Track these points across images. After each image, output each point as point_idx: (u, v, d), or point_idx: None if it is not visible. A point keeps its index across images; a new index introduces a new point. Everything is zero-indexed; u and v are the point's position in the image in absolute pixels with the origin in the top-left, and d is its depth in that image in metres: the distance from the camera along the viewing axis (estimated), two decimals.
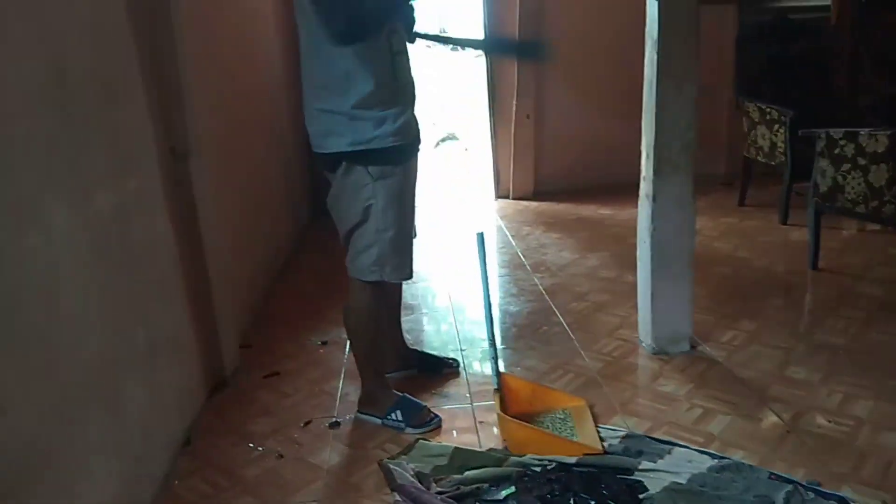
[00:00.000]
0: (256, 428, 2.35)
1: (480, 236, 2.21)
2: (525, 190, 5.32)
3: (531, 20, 4.98)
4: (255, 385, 2.65)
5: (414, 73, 2.19)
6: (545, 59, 2.54)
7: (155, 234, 2.19)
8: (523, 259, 3.99)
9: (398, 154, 2.11)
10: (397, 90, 2.09)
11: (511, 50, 2.43)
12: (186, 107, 2.39)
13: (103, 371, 1.75)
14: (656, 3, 2.46)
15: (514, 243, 4.30)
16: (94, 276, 1.75)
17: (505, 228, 4.65)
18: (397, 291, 2.58)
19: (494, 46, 2.44)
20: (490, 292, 2.25)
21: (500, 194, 5.40)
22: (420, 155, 2.33)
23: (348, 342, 2.63)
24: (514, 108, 5.17)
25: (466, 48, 2.42)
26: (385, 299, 2.38)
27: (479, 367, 2.71)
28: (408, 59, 2.15)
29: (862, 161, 3.10)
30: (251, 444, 2.25)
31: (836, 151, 3.22)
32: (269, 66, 4.07)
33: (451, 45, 2.43)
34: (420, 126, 2.27)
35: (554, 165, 5.33)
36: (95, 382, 1.71)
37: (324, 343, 2.99)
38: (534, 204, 5.19)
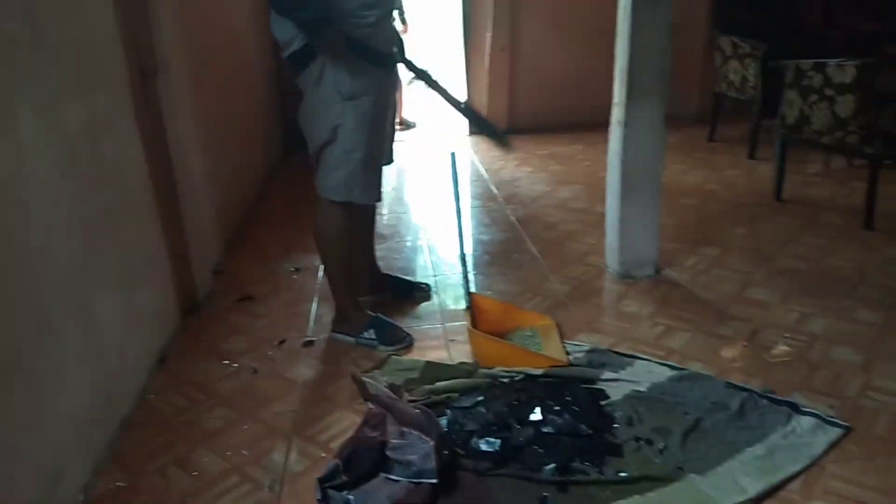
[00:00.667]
0: (230, 346, 2.39)
1: (453, 156, 2.24)
2: (499, 125, 5.29)
3: None
4: (228, 308, 2.68)
5: None
6: (504, 145, 2.57)
7: (125, 151, 2.17)
8: (496, 191, 4.02)
9: (368, 53, 2.06)
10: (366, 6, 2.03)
11: (480, 124, 2.43)
12: (154, 24, 2.34)
13: (76, 284, 1.76)
14: None
15: (486, 177, 4.32)
16: (64, 188, 1.74)
17: (478, 162, 4.66)
18: (370, 215, 2.59)
19: (469, 113, 2.37)
20: (462, 210, 2.29)
21: (474, 130, 5.37)
22: (396, 79, 2.31)
23: (321, 266, 2.66)
24: (488, 41, 5.11)
25: (444, 98, 2.37)
26: (357, 222, 2.40)
27: (451, 291, 2.76)
28: None
29: (829, 92, 3.15)
30: (226, 361, 2.29)
31: (805, 83, 3.26)
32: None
33: (431, 87, 2.37)
34: (402, 46, 2.24)
35: (528, 100, 5.31)
36: (68, 294, 1.72)
37: (296, 270, 3.02)
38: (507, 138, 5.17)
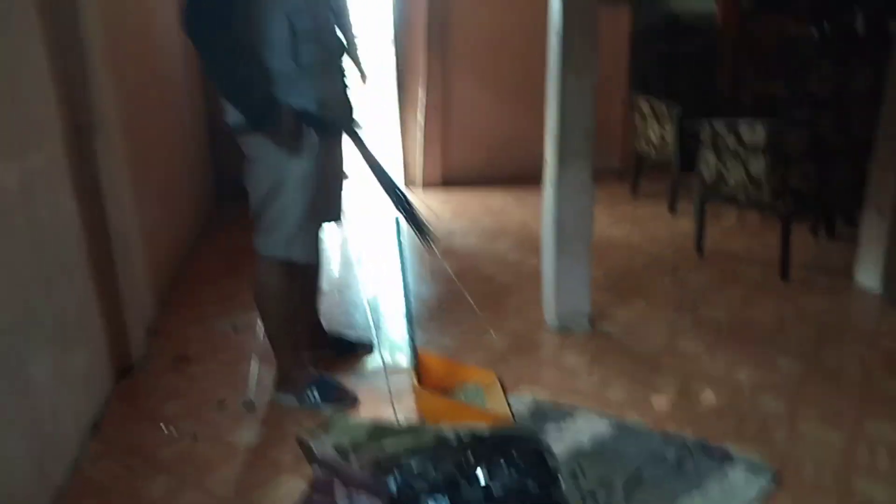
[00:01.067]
0: (168, 410, 2.32)
1: (397, 221, 2.29)
2: (433, 179, 5.42)
3: (438, 13, 5.08)
4: (165, 370, 2.61)
5: (333, 56, 2.20)
6: (428, 242, 2.51)
7: (60, 211, 2.12)
8: (433, 245, 4.07)
9: (305, 122, 2.09)
10: (301, 73, 2.06)
11: (409, 216, 2.42)
12: (91, 79, 2.32)
13: (8, 347, 1.70)
14: (559, 1, 2.60)
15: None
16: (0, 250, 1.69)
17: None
18: (314, 272, 2.59)
19: (398, 201, 2.36)
20: (408, 273, 2.32)
21: (408, 182, 5.47)
22: (342, 139, 2.34)
23: (261, 324, 2.63)
24: (421, 98, 5.25)
25: (376, 174, 2.39)
26: (298, 279, 2.39)
27: (394, 348, 2.78)
28: (320, 45, 2.10)
29: (742, 152, 3.38)
30: (163, 426, 2.22)
31: (719, 143, 3.50)
32: (170, 43, 3.95)
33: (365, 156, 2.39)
34: (346, 110, 2.28)
35: (461, 155, 5.45)
36: (2, 358, 1.66)
37: (234, 328, 2.97)
38: (442, 193, 5.30)
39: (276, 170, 2.12)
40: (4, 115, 1.79)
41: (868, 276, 3.23)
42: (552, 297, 2.88)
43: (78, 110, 2.28)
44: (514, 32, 5.16)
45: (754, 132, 3.29)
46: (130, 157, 2.78)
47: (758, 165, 3.31)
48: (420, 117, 5.28)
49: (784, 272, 3.37)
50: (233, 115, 2.10)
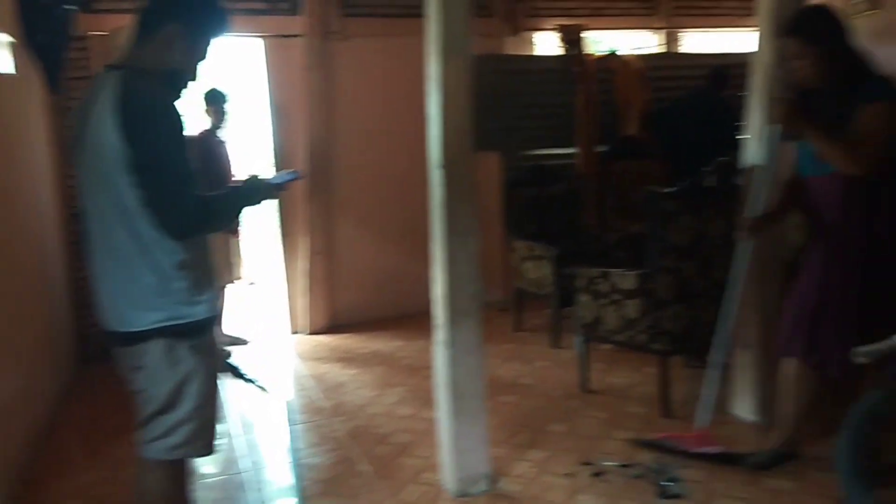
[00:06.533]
0: None
1: (290, 405, 2.19)
2: (320, 324, 5.33)
3: (320, 160, 5.19)
4: None
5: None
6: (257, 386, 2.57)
7: None
8: (323, 402, 3.94)
9: (209, 324, 2.03)
10: (205, 258, 2.02)
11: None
12: None
13: None
14: (440, 173, 2.73)
15: (312, 384, 4.24)
16: None
17: (303, 367, 4.59)
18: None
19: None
20: (299, 472, 2.20)
21: (296, 329, 5.35)
22: None
23: None
24: (305, 245, 5.24)
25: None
26: (187, 476, 2.20)
27: None
28: None
29: (616, 297, 3.58)
30: None
31: (595, 288, 3.69)
32: (38, 204, 3.77)
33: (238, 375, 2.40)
34: None
35: (347, 299, 5.43)
36: None
37: None
38: (329, 338, 5.21)
39: (182, 370, 1.96)
40: None
41: (743, 407, 3.40)
42: (450, 460, 2.83)
43: None
44: (396, 177, 5.35)
45: (626, 279, 3.50)
46: None
47: (632, 309, 3.51)
48: (305, 263, 5.25)
49: (667, 409, 3.51)
50: (140, 320, 1.94)
